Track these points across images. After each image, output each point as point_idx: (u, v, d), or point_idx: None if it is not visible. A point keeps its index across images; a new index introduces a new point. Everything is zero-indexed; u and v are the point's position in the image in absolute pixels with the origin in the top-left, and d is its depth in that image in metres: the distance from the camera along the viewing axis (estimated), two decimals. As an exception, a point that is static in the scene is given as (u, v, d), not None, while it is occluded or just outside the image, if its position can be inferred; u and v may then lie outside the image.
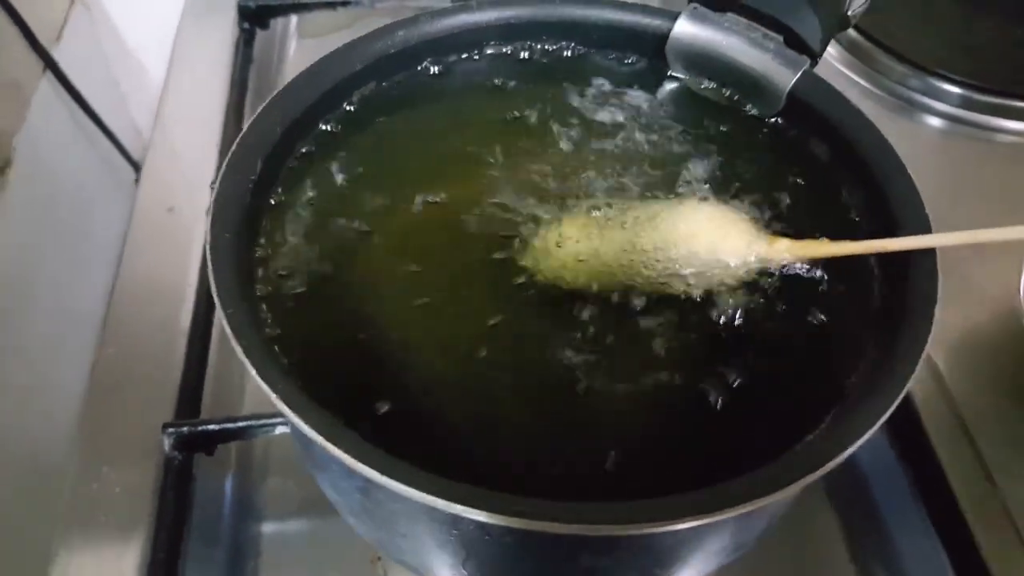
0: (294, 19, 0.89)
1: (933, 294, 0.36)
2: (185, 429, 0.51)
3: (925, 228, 0.39)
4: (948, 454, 0.54)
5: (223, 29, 0.81)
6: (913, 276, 0.38)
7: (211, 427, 0.51)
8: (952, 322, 0.61)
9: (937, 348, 0.59)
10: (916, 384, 0.56)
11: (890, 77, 0.76)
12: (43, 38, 0.94)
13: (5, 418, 0.72)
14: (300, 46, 0.89)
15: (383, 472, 0.30)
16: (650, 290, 0.40)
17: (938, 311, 0.58)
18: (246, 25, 0.81)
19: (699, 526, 0.30)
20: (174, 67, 0.78)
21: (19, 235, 0.84)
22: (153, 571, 0.48)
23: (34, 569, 0.49)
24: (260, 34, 0.83)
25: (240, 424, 0.51)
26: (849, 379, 0.37)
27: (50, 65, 0.95)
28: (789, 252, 0.41)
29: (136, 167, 0.93)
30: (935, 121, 0.75)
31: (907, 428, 0.56)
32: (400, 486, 0.30)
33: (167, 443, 0.51)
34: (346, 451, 0.31)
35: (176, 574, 0.49)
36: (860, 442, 0.32)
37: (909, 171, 0.41)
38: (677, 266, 0.40)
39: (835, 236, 0.42)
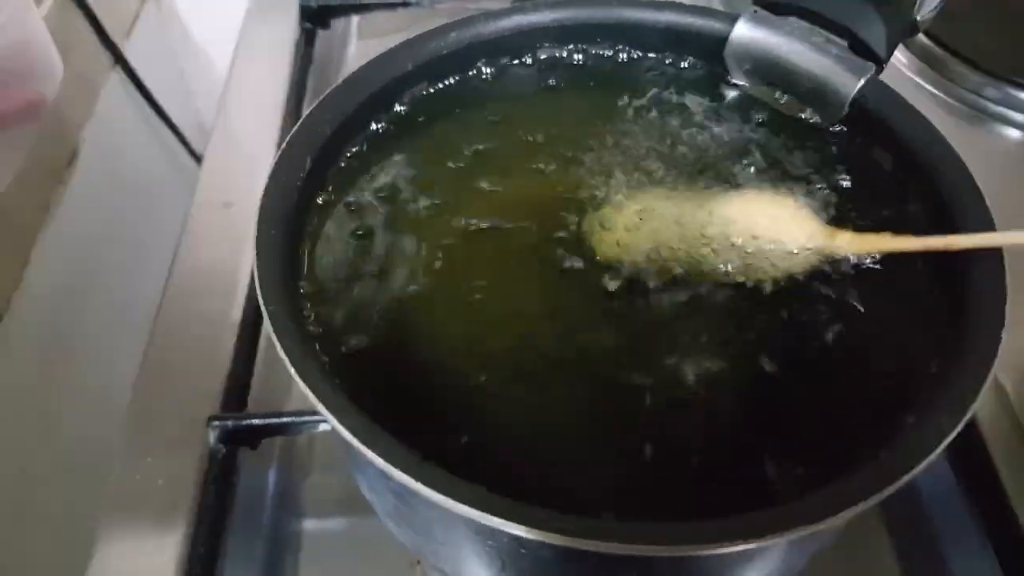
0: (355, 20, 0.90)
1: (1001, 302, 0.34)
2: (230, 423, 0.51)
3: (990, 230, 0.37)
4: (1014, 480, 0.51)
5: (285, 28, 0.82)
6: (977, 282, 0.36)
7: (255, 421, 0.51)
8: (1019, 340, 0.58)
9: (1005, 368, 0.56)
10: (981, 405, 0.54)
11: (964, 86, 0.73)
12: (114, 33, 0.96)
13: (63, 408, 0.74)
14: (360, 46, 0.90)
15: (417, 479, 0.30)
16: (706, 276, 0.40)
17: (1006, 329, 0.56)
18: (307, 25, 0.82)
19: (749, 549, 0.29)
20: (236, 65, 0.79)
21: (84, 224, 0.86)
22: (193, 563, 0.48)
23: (77, 558, 0.50)
24: (321, 34, 0.84)
25: (284, 420, 0.52)
26: (912, 396, 0.35)
27: (119, 60, 0.97)
28: (850, 245, 0.40)
29: (199, 161, 0.95)
30: (1013, 132, 0.71)
31: (970, 451, 0.54)
32: (434, 494, 0.29)
33: (212, 436, 0.52)
34: (381, 455, 0.30)
35: (216, 567, 0.49)
36: (920, 468, 0.30)
37: (982, 186, 0.39)
38: (736, 253, 0.40)
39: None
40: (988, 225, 0.38)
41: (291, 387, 0.61)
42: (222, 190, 0.68)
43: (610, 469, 0.35)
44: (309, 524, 0.55)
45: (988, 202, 0.39)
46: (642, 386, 0.37)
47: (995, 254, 0.36)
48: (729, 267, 0.40)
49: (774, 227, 0.40)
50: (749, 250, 0.40)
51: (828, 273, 0.40)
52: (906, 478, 0.30)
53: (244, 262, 0.62)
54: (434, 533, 0.36)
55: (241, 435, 0.52)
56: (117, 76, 0.97)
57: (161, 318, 0.60)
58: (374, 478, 0.37)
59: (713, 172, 0.45)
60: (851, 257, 0.40)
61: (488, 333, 0.39)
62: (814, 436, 0.36)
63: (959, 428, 0.31)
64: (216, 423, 0.51)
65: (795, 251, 0.40)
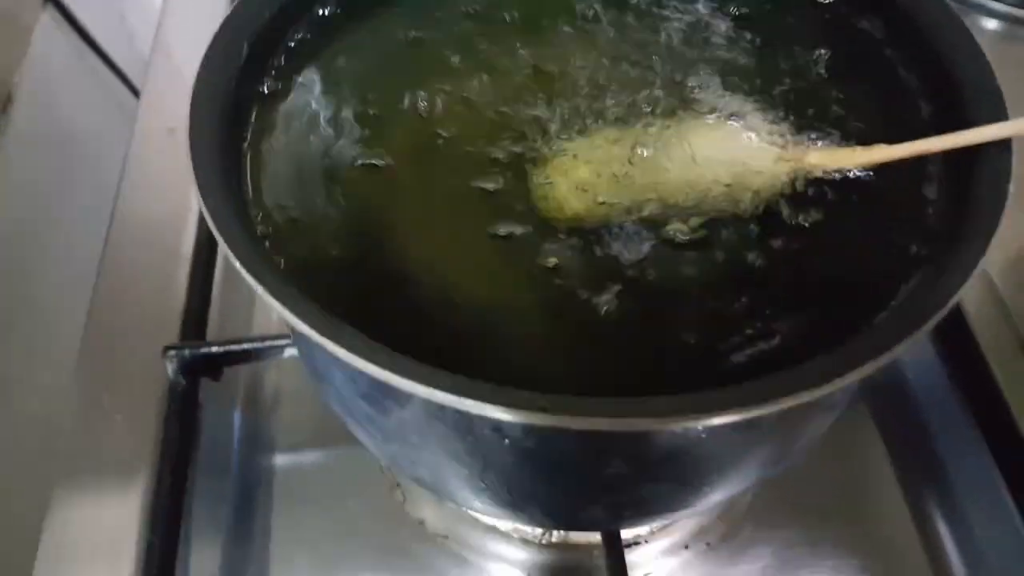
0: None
1: (1004, 189, 0.32)
2: (187, 352, 0.48)
3: (999, 109, 0.34)
4: (1005, 373, 0.50)
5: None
6: (978, 174, 0.33)
7: (215, 349, 0.48)
8: (1009, 233, 0.57)
9: (992, 261, 0.55)
10: (969, 299, 0.53)
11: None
12: (42, -31, 0.90)
13: (14, 360, 0.71)
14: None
15: (391, 369, 0.27)
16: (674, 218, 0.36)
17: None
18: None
19: (737, 424, 0.27)
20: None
21: (24, 171, 0.81)
22: (158, 504, 0.46)
23: (35, 504, 0.47)
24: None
25: (245, 346, 0.49)
26: (903, 283, 0.33)
27: (50, -2, 0.92)
28: (820, 163, 0.36)
29: (141, 97, 0.90)
30: (990, 23, 0.69)
31: (960, 346, 0.52)
32: (412, 384, 0.27)
33: (170, 368, 0.49)
34: (346, 347, 0.27)
35: (182, 507, 0.47)
36: (907, 342, 0.28)
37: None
38: (699, 195, 0.36)
39: (893, 125, 0.37)
40: (992, 88, 0.35)
41: (252, 316, 0.57)
42: (164, 116, 0.63)
43: (590, 354, 0.32)
44: (280, 459, 0.52)
45: None
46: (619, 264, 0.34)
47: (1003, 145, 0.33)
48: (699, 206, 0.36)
49: (736, 165, 0.37)
50: (715, 195, 0.37)
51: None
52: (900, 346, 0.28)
53: (193, 188, 0.58)
54: (409, 437, 0.34)
55: (201, 364, 0.49)
56: (49, 16, 0.92)
57: (109, 251, 0.57)
58: (343, 385, 0.34)
59: (677, 74, 0.41)
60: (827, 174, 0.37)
61: (443, 231, 0.36)
62: (797, 317, 0.33)
63: (946, 310, 0.29)
64: (173, 352, 0.48)
65: (765, 183, 0.36)
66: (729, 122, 0.39)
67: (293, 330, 0.34)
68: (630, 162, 0.37)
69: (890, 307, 0.32)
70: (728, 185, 0.36)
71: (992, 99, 0.33)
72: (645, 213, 0.36)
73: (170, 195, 0.59)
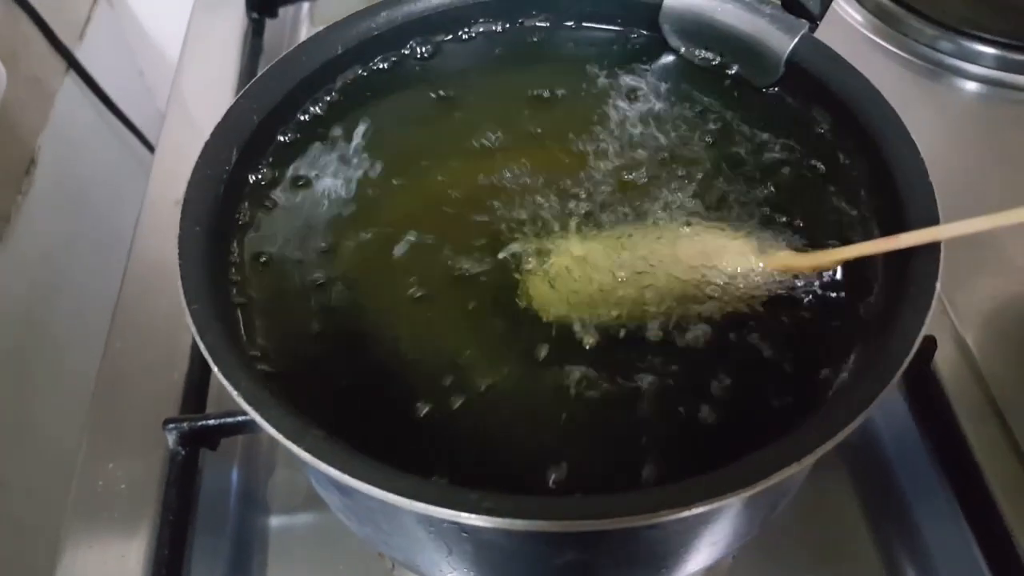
0: (305, 6, 0.89)
1: (931, 287, 0.33)
2: (186, 424, 0.50)
3: (930, 213, 0.36)
4: (977, 436, 0.51)
5: (232, 19, 0.81)
6: (913, 268, 0.35)
7: (211, 422, 0.51)
8: (982, 296, 0.58)
9: (966, 324, 0.56)
10: (943, 362, 0.54)
11: (919, 40, 0.72)
12: (66, 37, 0.95)
13: (33, 416, 0.74)
14: (311, 32, 0.88)
15: (344, 471, 0.29)
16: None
17: (968, 284, 0.55)
18: (255, 15, 0.80)
19: (681, 518, 0.28)
20: (185, 60, 0.78)
21: (46, 235, 0.85)
22: (158, 565, 0.48)
23: (43, 564, 0.50)
24: (270, 23, 0.82)
25: (240, 419, 0.51)
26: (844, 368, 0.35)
27: (72, 64, 0.96)
28: (795, 265, 0.38)
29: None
30: (970, 85, 0.71)
31: (934, 409, 0.53)
32: (364, 486, 0.29)
33: (170, 439, 0.51)
34: (306, 449, 0.30)
35: (182, 568, 0.49)
36: (862, 417, 0.30)
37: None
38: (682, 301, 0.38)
39: (838, 225, 0.40)
40: (924, 184, 0.37)
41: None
42: (173, 187, 0.66)
43: (555, 449, 0.34)
44: (275, 521, 0.55)
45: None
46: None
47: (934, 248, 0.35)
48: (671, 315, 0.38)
49: (707, 270, 0.39)
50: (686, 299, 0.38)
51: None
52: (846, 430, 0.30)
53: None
54: (379, 523, 0.36)
55: (199, 436, 0.52)
56: (72, 80, 0.96)
57: (117, 320, 0.59)
58: (315, 473, 0.37)
59: (645, 179, 0.43)
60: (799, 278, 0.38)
61: (428, 332, 0.38)
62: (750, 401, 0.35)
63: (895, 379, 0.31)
64: (172, 425, 0.51)
65: (737, 285, 0.38)
66: (705, 230, 0.41)
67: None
68: (612, 273, 0.39)
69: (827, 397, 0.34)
70: (715, 295, 0.38)
71: (926, 201, 0.35)
72: (624, 316, 0.38)
73: (174, 266, 0.61)
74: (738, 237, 0.39)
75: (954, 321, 0.56)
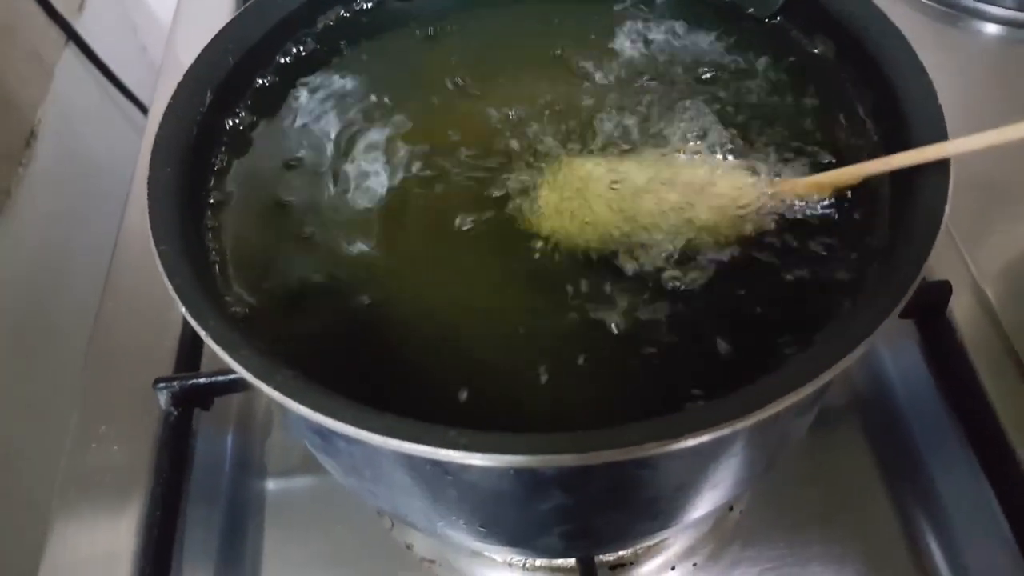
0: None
1: (941, 206, 0.31)
2: (177, 384, 0.49)
3: (937, 131, 0.34)
4: (995, 386, 0.49)
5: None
6: (920, 191, 0.33)
7: (202, 380, 0.50)
8: (1001, 246, 0.56)
9: (984, 274, 0.54)
10: (960, 311, 0.52)
11: (936, -19, 0.70)
12: (64, 9, 0.94)
13: (31, 392, 0.73)
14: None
15: (314, 407, 0.28)
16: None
17: (986, 234, 0.53)
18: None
19: (670, 452, 0.27)
20: (178, 23, 0.77)
21: (47, 207, 0.84)
22: (151, 526, 0.47)
23: (36, 529, 0.49)
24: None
25: (232, 376, 0.50)
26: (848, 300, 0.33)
27: (72, 36, 0.95)
28: (789, 193, 0.37)
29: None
30: (990, 28, 0.68)
31: (950, 358, 0.51)
32: (336, 423, 0.28)
33: (162, 398, 0.50)
34: (276, 387, 0.28)
35: (174, 533, 0.48)
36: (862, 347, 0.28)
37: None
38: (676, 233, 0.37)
39: (845, 148, 0.38)
40: (932, 107, 0.35)
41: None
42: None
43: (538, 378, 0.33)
44: (272, 484, 0.54)
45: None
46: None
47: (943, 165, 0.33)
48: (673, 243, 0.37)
49: (711, 200, 0.37)
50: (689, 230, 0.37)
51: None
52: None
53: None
54: (362, 471, 0.35)
55: (191, 395, 0.51)
56: (71, 52, 0.95)
57: (110, 282, 0.59)
58: (293, 420, 0.35)
59: (648, 108, 0.42)
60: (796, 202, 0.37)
61: (409, 279, 0.37)
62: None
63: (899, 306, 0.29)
64: (163, 385, 0.50)
65: (742, 213, 0.37)
66: (706, 157, 0.39)
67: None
68: (612, 187, 0.38)
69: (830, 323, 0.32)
70: (709, 219, 0.37)
71: (933, 119, 0.33)
72: (627, 235, 0.37)
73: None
74: (741, 163, 0.38)
75: (972, 270, 0.54)
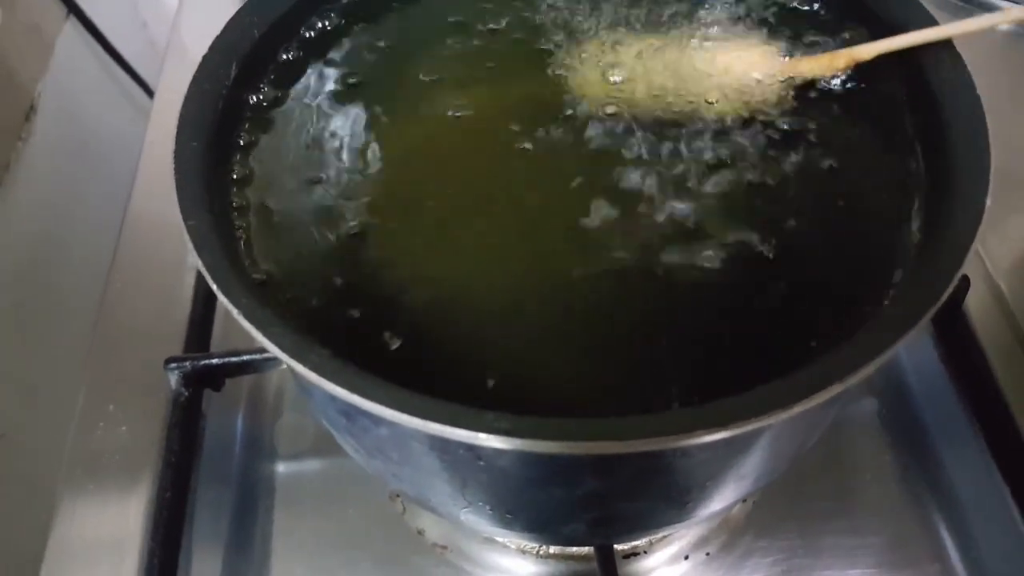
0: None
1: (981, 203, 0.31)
2: (188, 364, 0.49)
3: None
4: (1009, 379, 0.49)
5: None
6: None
7: (214, 361, 0.49)
8: (1015, 240, 0.56)
9: (999, 268, 0.54)
10: (972, 299, 0.52)
11: (953, -26, 0.69)
12: (66, -18, 0.92)
13: (34, 368, 0.72)
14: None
15: (350, 388, 0.27)
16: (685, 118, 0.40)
17: (1002, 227, 0.53)
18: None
19: (701, 444, 0.26)
20: (185, 2, 0.76)
21: (46, 182, 0.83)
22: (160, 508, 0.46)
23: (41, 511, 0.48)
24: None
25: (244, 358, 0.49)
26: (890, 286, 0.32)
27: (73, 9, 0.93)
28: (810, 69, 0.41)
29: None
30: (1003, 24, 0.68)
31: (965, 351, 0.51)
32: (372, 404, 0.27)
33: (172, 379, 0.49)
34: (311, 367, 0.28)
35: (184, 514, 0.47)
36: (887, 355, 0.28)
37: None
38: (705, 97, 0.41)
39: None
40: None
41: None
42: (173, 130, 0.64)
43: (577, 363, 0.32)
44: (282, 467, 0.53)
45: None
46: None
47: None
48: (713, 101, 0.40)
49: (737, 67, 0.41)
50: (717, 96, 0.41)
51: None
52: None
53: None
54: (389, 454, 0.34)
55: (202, 376, 0.50)
56: (72, 25, 0.94)
57: (118, 262, 0.58)
58: (320, 401, 0.35)
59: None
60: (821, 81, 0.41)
61: (441, 256, 0.36)
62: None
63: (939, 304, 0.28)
64: (173, 365, 0.49)
65: (764, 80, 0.41)
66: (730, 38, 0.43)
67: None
68: (640, 56, 0.42)
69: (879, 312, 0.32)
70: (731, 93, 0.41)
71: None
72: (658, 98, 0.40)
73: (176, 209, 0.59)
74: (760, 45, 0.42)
75: (987, 264, 0.54)
